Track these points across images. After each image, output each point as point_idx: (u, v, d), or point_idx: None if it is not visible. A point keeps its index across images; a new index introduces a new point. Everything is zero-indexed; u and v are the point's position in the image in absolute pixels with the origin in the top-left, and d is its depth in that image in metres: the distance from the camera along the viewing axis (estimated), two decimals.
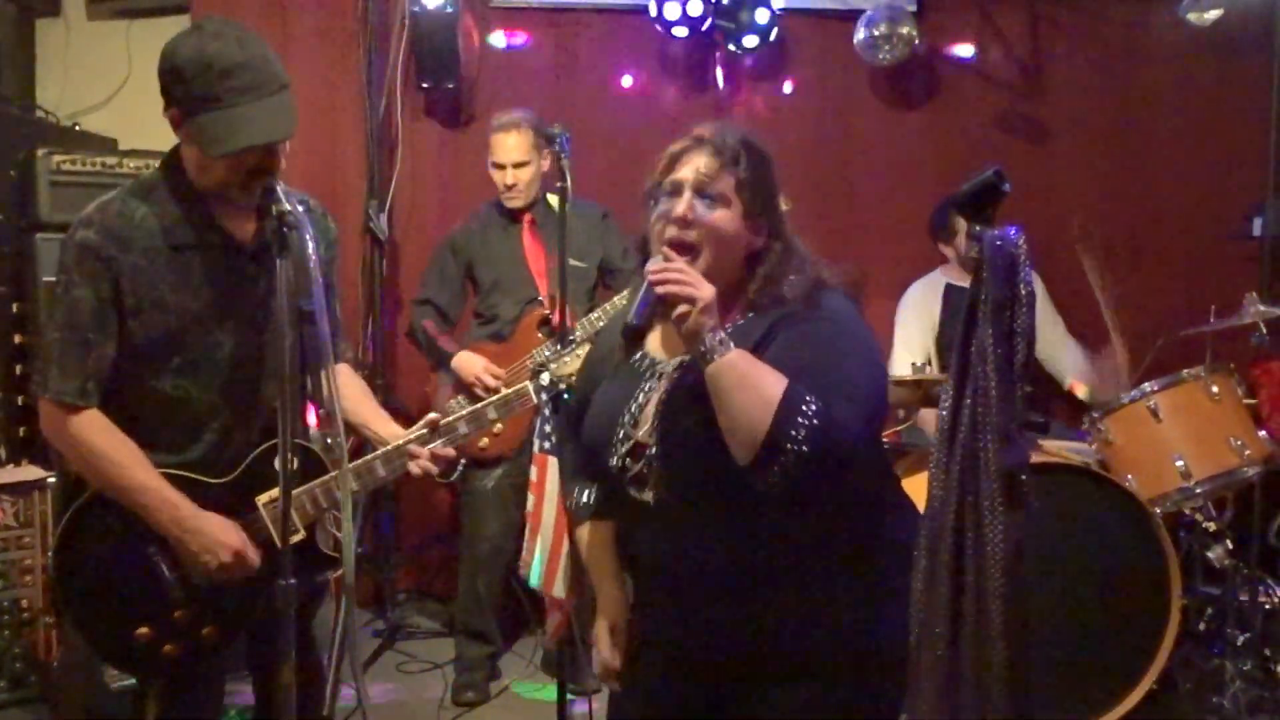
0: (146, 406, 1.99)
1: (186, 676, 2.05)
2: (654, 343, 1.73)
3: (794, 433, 1.44)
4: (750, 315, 1.64)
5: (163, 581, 1.98)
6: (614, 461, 1.64)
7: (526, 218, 3.68)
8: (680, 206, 1.58)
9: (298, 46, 4.26)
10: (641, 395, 1.65)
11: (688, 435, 1.57)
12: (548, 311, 3.55)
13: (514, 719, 3.48)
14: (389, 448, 2.07)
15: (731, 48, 4.26)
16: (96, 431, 1.94)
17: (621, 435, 1.63)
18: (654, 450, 1.59)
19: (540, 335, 3.53)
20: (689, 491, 1.60)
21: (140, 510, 1.93)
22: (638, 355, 1.71)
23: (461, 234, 3.76)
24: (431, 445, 2.07)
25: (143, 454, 1.95)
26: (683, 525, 1.62)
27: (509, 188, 3.59)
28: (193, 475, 1.98)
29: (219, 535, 1.93)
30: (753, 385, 1.47)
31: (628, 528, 1.77)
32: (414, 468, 2.06)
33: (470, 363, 3.52)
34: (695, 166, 1.61)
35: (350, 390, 2.19)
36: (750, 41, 4.23)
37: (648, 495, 1.63)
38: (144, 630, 1.98)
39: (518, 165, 3.57)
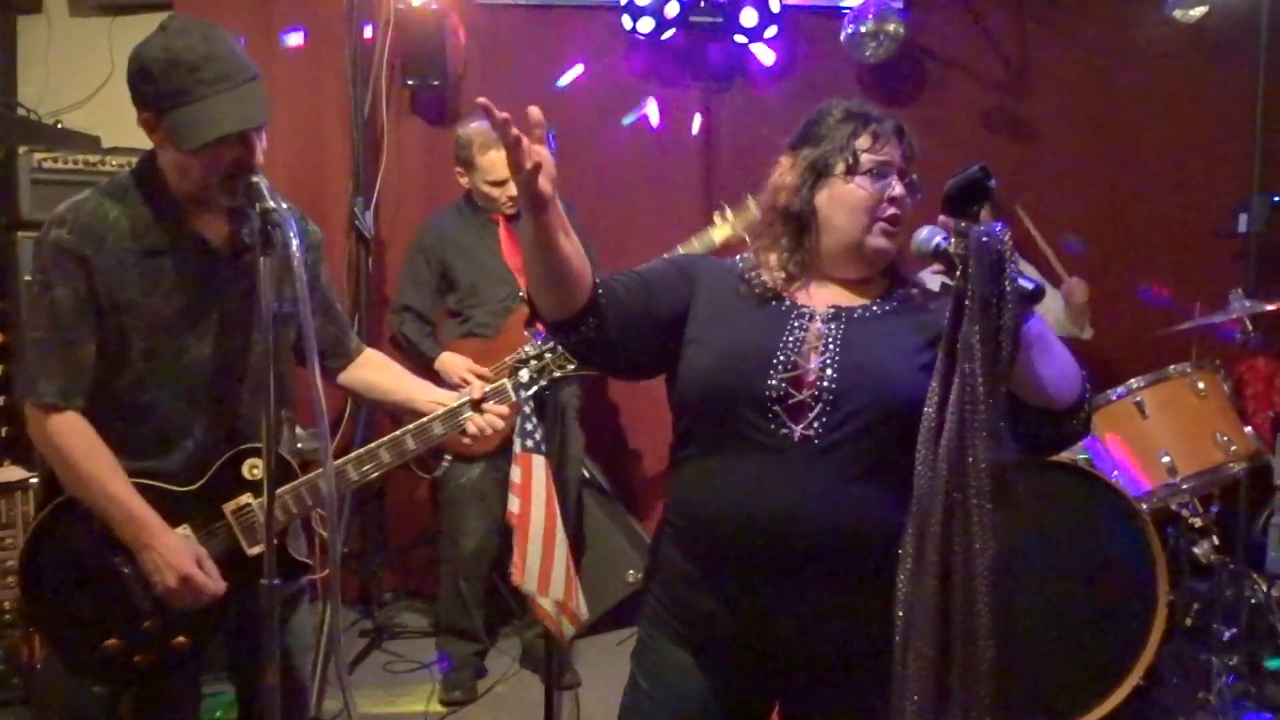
0: (113, 410, 1.94)
1: (159, 685, 2.01)
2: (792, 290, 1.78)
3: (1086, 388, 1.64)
4: (902, 292, 1.76)
5: (131, 591, 1.94)
6: (773, 382, 1.64)
7: (504, 216, 3.64)
8: (899, 189, 1.72)
9: (282, 44, 4.23)
10: (799, 331, 1.69)
11: (868, 372, 1.64)
12: None
13: (501, 718, 3.47)
14: (448, 408, 2.15)
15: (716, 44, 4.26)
16: (74, 435, 1.90)
17: (783, 360, 1.65)
18: (828, 383, 1.62)
19: (527, 334, 3.50)
20: (859, 426, 1.61)
21: (106, 520, 1.90)
22: (775, 299, 1.75)
23: (432, 236, 3.71)
24: (487, 404, 2.16)
25: (116, 462, 1.90)
26: (828, 465, 1.61)
27: (511, 199, 3.53)
28: (158, 484, 1.94)
29: (169, 557, 1.88)
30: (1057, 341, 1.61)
31: (719, 480, 1.69)
32: (471, 426, 2.16)
33: (453, 364, 3.49)
34: (898, 154, 1.74)
35: (390, 372, 2.34)
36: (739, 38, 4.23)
37: (798, 430, 1.62)
38: (113, 641, 1.94)
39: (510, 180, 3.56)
